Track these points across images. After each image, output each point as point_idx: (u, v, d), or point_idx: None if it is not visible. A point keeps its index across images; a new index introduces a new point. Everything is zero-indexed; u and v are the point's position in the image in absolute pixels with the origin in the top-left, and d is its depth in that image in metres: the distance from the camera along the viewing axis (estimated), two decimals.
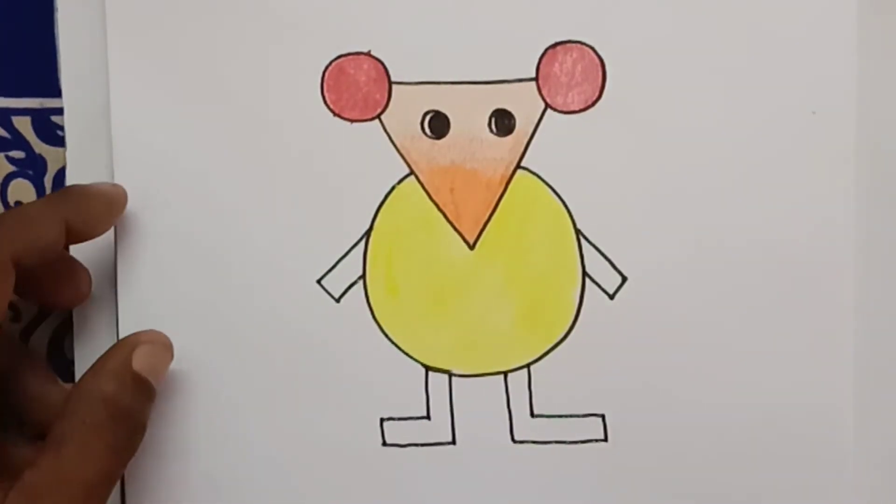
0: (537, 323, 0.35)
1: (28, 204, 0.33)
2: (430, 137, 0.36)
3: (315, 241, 0.36)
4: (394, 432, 0.36)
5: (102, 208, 0.35)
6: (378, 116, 0.36)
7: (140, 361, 0.33)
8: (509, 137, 0.35)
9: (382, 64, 0.35)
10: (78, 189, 0.34)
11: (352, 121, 0.36)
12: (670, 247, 0.35)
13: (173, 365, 0.35)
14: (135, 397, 0.32)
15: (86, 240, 0.34)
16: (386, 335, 0.36)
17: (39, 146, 0.38)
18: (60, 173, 0.38)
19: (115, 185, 0.36)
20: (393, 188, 0.36)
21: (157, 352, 0.34)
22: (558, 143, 0.35)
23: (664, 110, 0.35)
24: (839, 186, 0.35)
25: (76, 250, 0.36)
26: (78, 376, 0.34)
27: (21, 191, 0.38)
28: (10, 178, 0.38)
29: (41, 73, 0.37)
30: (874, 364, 0.35)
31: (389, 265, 0.36)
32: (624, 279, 0.35)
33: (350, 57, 0.35)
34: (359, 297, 0.36)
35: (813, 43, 0.34)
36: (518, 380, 0.36)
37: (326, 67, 0.35)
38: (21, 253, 0.31)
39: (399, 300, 0.36)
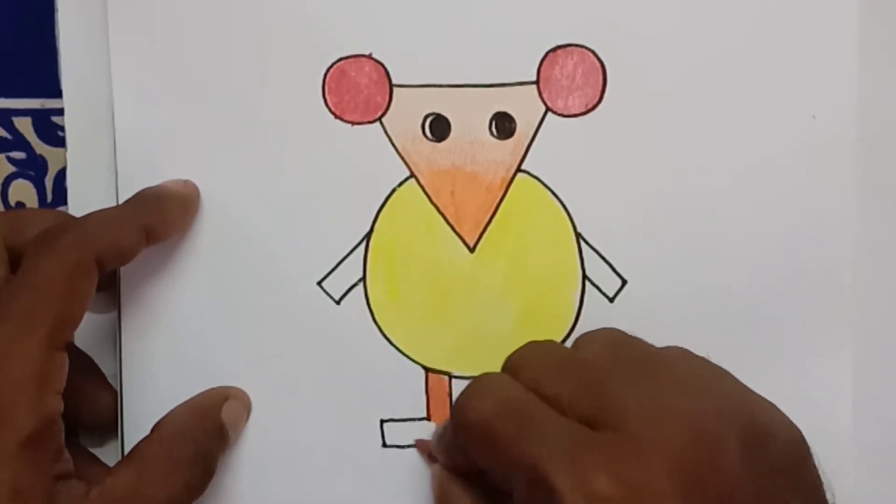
0: (537, 325, 0.35)
1: (107, 209, 0.33)
2: (430, 140, 0.36)
3: (316, 243, 0.36)
4: (394, 433, 0.36)
5: (179, 210, 0.35)
6: (379, 119, 0.36)
7: (227, 414, 0.35)
8: (510, 140, 0.35)
9: (384, 66, 0.35)
10: (153, 192, 0.35)
11: (353, 123, 0.36)
12: (670, 250, 0.35)
13: (175, 366, 0.36)
14: (216, 444, 0.34)
15: (163, 241, 0.34)
16: (386, 337, 0.36)
17: (40, 147, 0.38)
18: (61, 174, 0.38)
19: (186, 184, 0.36)
20: (393, 191, 0.36)
21: (240, 408, 0.36)
22: (559, 147, 0.35)
23: (664, 114, 0.35)
24: (839, 190, 0.35)
25: None
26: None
27: (22, 191, 0.38)
28: (10, 178, 0.38)
29: (42, 74, 0.37)
30: (874, 364, 0.35)
31: (390, 267, 0.36)
32: (624, 282, 0.35)
33: (351, 59, 0.35)
34: (359, 299, 0.36)
35: (813, 47, 0.34)
36: None
37: (328, 70, 0.35)
38: (103, 254, 0.32)
39: (399, 302, 0.36)
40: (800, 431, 0.29)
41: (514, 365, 0.31)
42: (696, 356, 0.31)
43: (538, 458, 0.27)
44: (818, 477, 0.29)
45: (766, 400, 0.29)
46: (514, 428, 0.28)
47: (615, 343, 0.31)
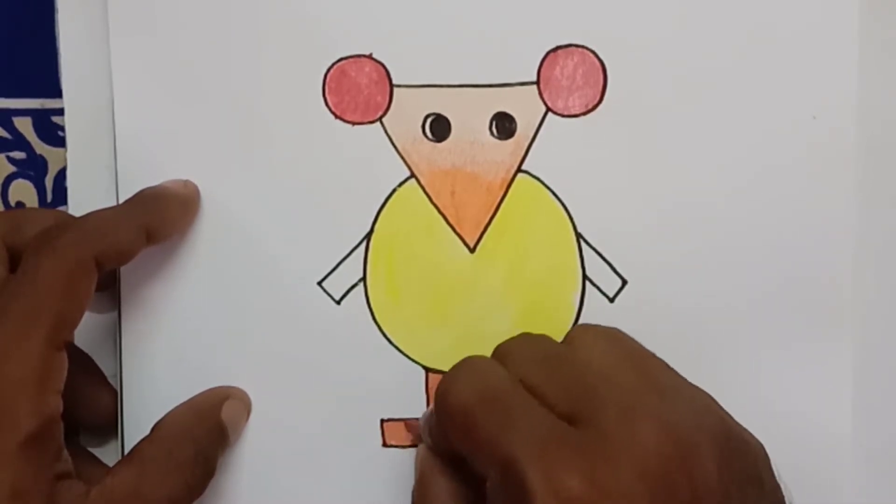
0: (537, 326, 0.35)
1: (106, 209, 0.33)
2: (431, 140, 0.36)
3: (316, 244, 0.36)
4: (394, 433, 0.36)
5: (178, 211, 0.35)
6: (379, 119, 0.36)
7: (227, 414, 0.35)
8: (510, 141, 0.35)
9: (384, 66, 0.35)
10: (152, 193, 0.35)
11: (353, 123, 0.36)
12: (670, 250, 0.35)
13: (175, 366, 0.36)
14: (216, 444, 0.34)
15: (163, 241, 0.34)
16: (386, 337, 0.36)
17: (40, 147, 0.38)
18: (61, 174, 0.38)
19: (186, 184, 0.36)
20: (394, 191, 0.36)
21: (240, 408, 0.36)
22: (559, 147, 0.35)
23: (665, 114, 0.35)
24: (839, 191, 0.35)
25: None
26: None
27: (22, 191, 0.38)
28: (10, 178, 0.38)
29: (42, 74, 0.37)
30: (874, 365, 0.35)
31: (390, 268, 0.36)
32: (624, 282, 0.35)
33: (352, 59, 0.35)
34: (359, 300, 0.36)
35: (814, 48, 0.34)
36: None
37: (328, 70, 0.35)
38: (103, 254, 0.31)
39: (399, 302, 0.36)
40: (760, 442, 0.29)
41: (504, 353, 0.31)
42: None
43: (512, 449, 0.27)
44: (778, 485, 0.29)
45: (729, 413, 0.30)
46: (492, 416, 0.28)
47: (608, 342, 0.31)
